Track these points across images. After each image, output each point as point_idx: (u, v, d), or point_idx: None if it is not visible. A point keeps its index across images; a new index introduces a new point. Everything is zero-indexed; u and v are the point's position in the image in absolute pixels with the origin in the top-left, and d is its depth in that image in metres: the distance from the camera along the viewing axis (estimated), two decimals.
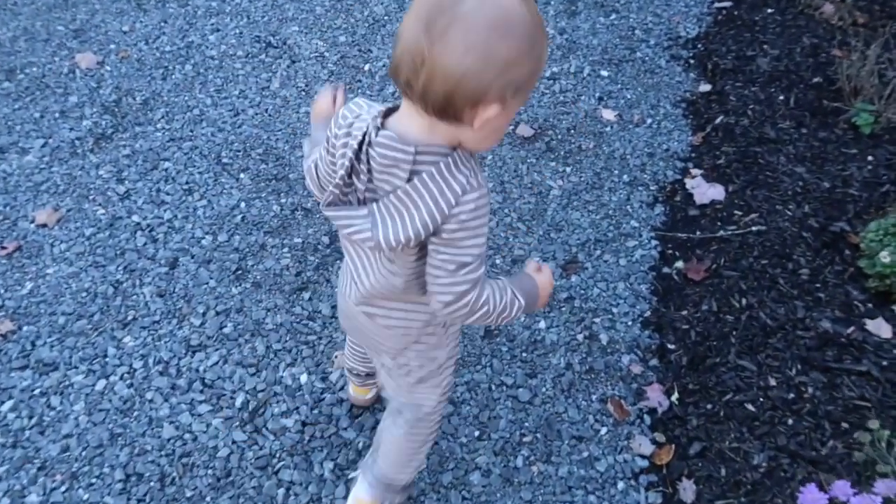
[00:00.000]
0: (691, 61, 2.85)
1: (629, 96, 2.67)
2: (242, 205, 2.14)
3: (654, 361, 1.80)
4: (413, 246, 0.96)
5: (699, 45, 2.94)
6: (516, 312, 1.04)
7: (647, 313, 1.90)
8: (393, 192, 0.93)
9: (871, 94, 2.48)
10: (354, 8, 3.01)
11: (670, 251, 2.09)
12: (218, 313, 1.83)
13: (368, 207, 0.95)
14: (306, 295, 1.89)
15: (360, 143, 0.93)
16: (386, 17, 2.96)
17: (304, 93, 2.58)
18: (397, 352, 1.15)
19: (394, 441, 1.29)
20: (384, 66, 2.72)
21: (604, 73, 2.77)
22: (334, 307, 1.86)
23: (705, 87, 2.72)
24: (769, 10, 3.11)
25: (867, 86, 2.49)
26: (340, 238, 1.11)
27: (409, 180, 0.92)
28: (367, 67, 2.72)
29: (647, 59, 2.86)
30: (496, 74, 0.84)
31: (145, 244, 2.00)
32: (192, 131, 2.39)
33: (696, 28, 3.04)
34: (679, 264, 2.04)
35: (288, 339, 1.79)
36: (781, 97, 2.62)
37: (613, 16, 3.07)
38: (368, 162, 0.94)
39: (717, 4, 3.20)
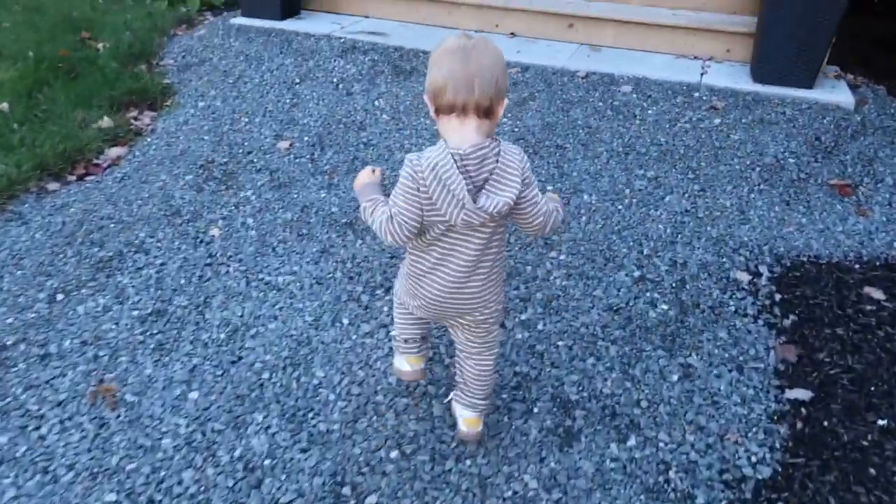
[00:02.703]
0: None
1: None
2: None
3: None
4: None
5: (780, 501, 1.77)
6: (563, 215, 1.73)
7: None
8: (490, 176, 1.47)
9: None
10: (220, 444, 1.92)
11: None
12: None
13: (482, 194, 1.47)
14: None
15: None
16: (265, 462, 1.86)
17: None
18: (486, 302, 1.66)
19: (483, 371, 1.79)
20: None
21: None
22: None
23: None
24: (880, 423, 1.98)
25: None
26: (429, 249, 1.58)
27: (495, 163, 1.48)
28: None
29: None
30: (503, 81, 1.45)
31: None
32: None
33: (765, 456, 1.89)
34: None
35: None
36: None
37: (633, 440, 1.94)
38: (466, 171, 1.45)
39: (788, 395, 2.09)
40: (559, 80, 4.01)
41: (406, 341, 1.87)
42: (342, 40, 4.51)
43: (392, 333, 2.00)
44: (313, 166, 3.26)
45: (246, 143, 3.45)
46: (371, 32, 4.63)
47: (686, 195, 3.04)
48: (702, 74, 4.01)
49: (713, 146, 3.38)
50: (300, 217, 2.89)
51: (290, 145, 3.42)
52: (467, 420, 1.84)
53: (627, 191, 3.07)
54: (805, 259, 2.69)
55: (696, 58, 4.30)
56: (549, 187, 2.99)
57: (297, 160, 3.31)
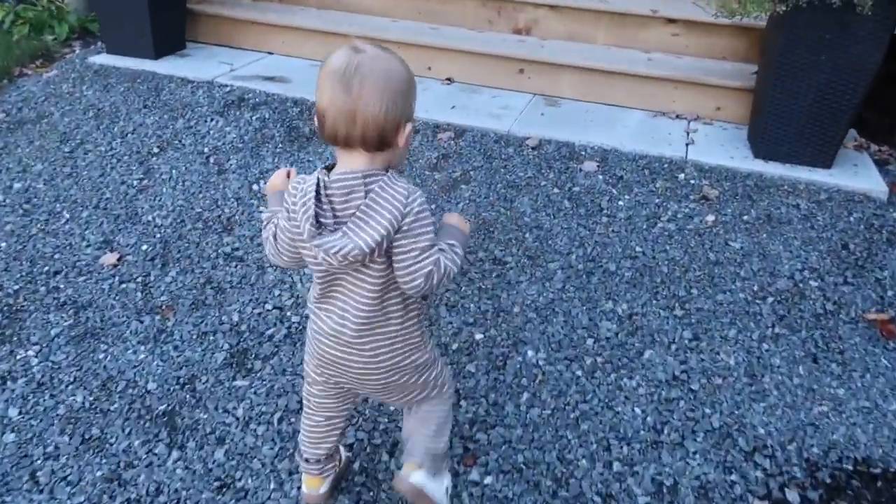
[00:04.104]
0: None
1: None
2: None
3: None
4: (383, 250, 1.20)
5: None
6: (461, 255, 1.33)
7: None
8: (356, 211, 1.18)
9: None
10: None
11: None
12: None
13: (341, 231, 1.18)
14: None
15: (318, 195, 1.18)
16: None
17: None
18: (390, 369, 1.35)
19: (422, 428, 1.48)
20: None
21: None
22: None
23: None
24: None
25: None
26: (319, 295, 1.33)
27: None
28: None
29: None
30: (402, 103, 1.19)
31: None
32: None
33: None
34: None
35: None
36: None
37: None
38: (330, 202, 1.19)
39: None
40: (503, 151, 3.06)
41: (307, 461, 1.57)
42: (228, 89, 3.50)
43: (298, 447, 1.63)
44: (143, 298, 2.26)
45: (57, 257, 2.44)
46: (268, 78, 3.63)
47: (673, 347, 2.13)
48: (687, 145, 3.10)
49: (707, 260, 2.47)
50: (95, 401, 1.90)
51: (119, 260, 2.42)
52: (406, 463, 1.48)
53: (590, 341, 2.14)
54: (851, 467, 1.80)
55: (678, 116, 3.39)
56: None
57: (123, 286, 2.31)
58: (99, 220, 2.62)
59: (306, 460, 1.57)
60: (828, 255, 2.52)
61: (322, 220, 1.19)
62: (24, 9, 4.53)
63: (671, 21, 3.57)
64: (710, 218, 2.67)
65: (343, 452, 1.69)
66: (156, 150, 3.04)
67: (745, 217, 2.68)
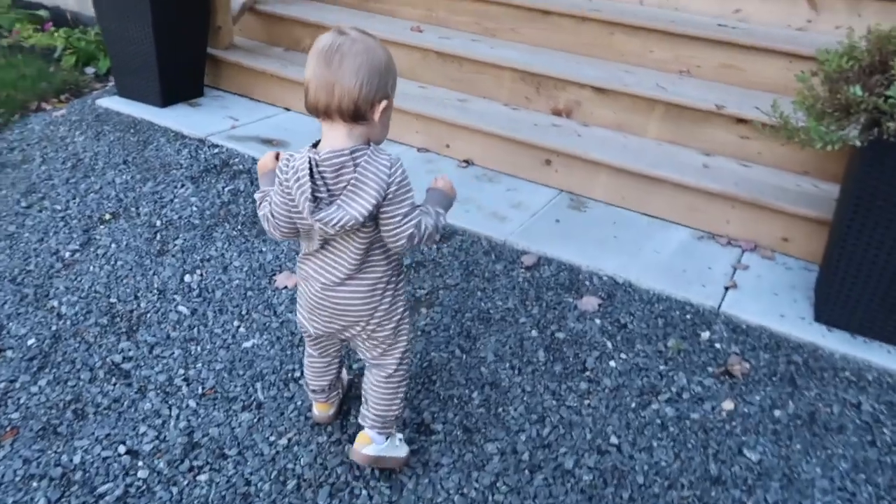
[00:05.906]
0: None
1: None
2: None
3: None
4: (371, 218, 1.37)
5: None
6: (444, 220, 1.53)
7: None
8: (346, 185, 1.34)
9: None
10: None
11: None
12: None
13: (336, 204, 1.35)
14: None
15: (311, 171, 1.34)
16: None
17: None
18: (369, 315, 1.55)
19: (379, 389, 1.66)
20: None
21: None
22: None
23: None
24: None
25: None
26: (307, 252, 1.52)
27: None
28: None
29: None
30: (378, 82, 1.33)
31: None
32: None
33: None
34: None
35: None
36: None
37: None
38: (322, 178, 1.35)
39: None
40: (490, 267, 2.51)
41: (314, 391, 1.82)
42: (216, 150, 3.18)
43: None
44: None
45: None
46: (266, 140, 3.29)
47: None
48: (727, 288, 2.41)
49: (704, 474, 1.79)
50: None
51: None
52: (359, 436, 1.70)
53: None
54: None
55: (730, 242, 2.70)
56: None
57: None
58: (4, 299, 2.32)
59: (313, 391, 1.81)
60: (888, 494, 1.77)
61: (317, 194, 1.35)
62: (78, 39, 4.50)
63: (741, 121, 2.88)
64: (728, 406, 1.98)
65: (345, 376, 1.94)
66: (108, 216, 2.74)
67: (778, 412, 1.97)
